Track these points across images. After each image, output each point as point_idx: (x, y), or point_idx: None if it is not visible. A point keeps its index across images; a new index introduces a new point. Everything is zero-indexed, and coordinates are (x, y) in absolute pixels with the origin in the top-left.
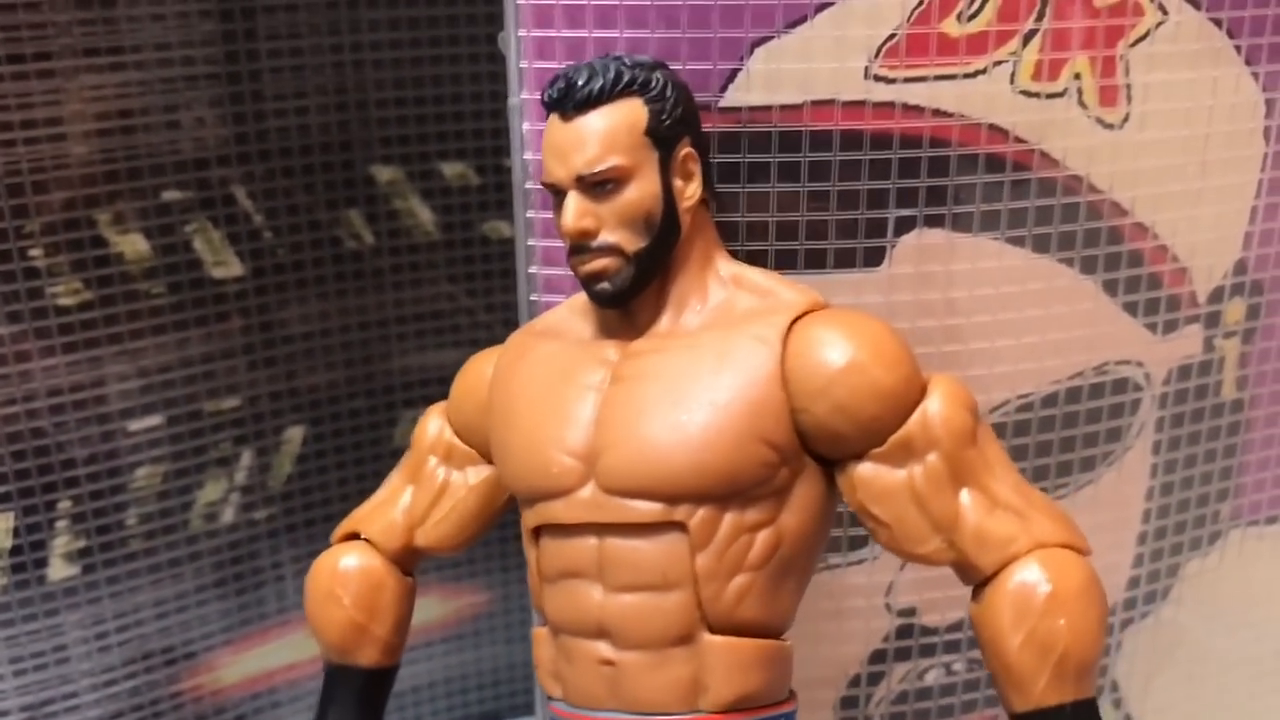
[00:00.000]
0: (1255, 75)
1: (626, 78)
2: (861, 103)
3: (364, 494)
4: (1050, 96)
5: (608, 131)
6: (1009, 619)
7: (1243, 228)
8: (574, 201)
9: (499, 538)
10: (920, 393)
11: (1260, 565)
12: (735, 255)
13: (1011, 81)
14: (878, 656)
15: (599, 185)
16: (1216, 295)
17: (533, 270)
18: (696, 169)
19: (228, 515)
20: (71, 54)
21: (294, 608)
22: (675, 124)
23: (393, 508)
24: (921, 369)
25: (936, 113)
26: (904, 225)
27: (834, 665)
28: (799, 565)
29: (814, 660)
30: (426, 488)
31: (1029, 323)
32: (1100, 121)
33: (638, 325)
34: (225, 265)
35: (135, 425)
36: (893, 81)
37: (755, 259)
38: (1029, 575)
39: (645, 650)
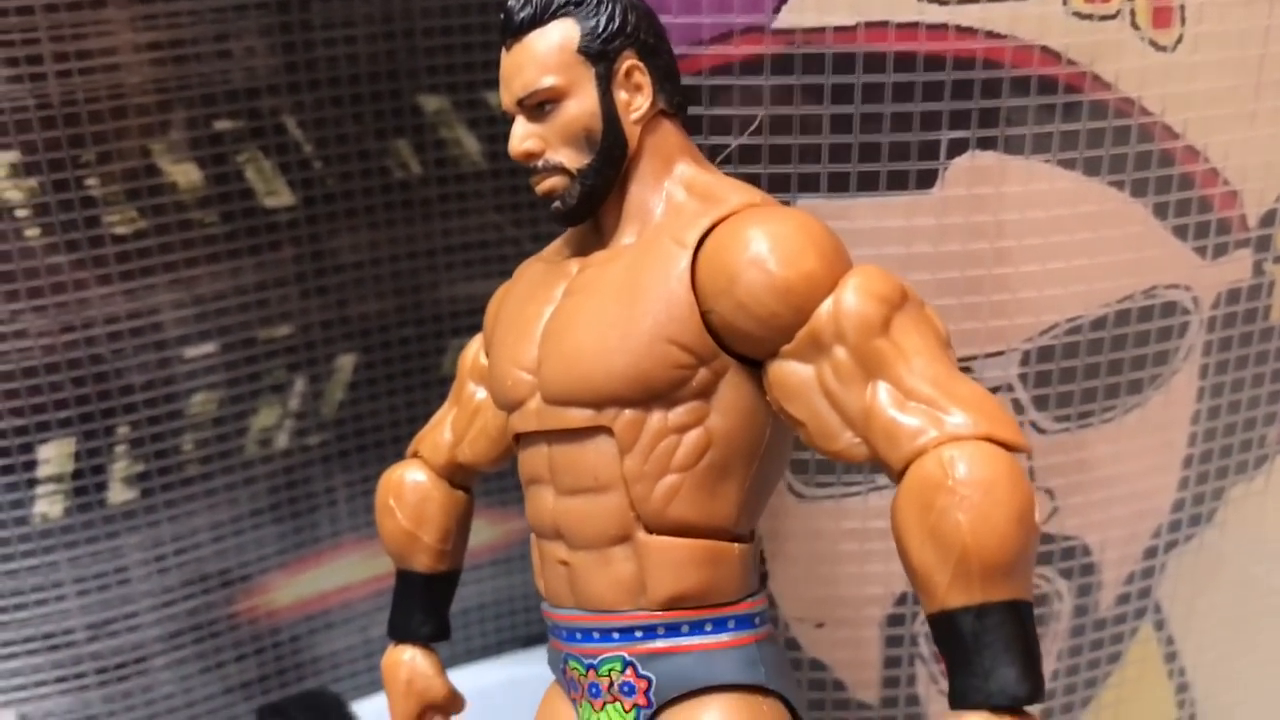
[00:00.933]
0: None
1: (558, 0)
2: (915, 24)
3: (413, 420)
4: (1103, 18)
5: (540, 54)
6: (910, 516)
7: None
8: (519, 125)
9: None
10: (829, 288)
11: None
12: (786, 179)
13: (1064, 3)
14: None
15: (538, 107)
16: (1268, 219)
17: None
18: (645, 81)
19: (281, 441)
20: None
21: (347, 531)
22: (612, 38)
23: (441, 428)
24: (846, 262)
25: (989, 34)
26: (956, 147)
27: (880, 584)
28: (737, 468)
29: (860, 579)
30: (466, 408)
31: (1079, 246)
32: (1153, 44)
33: (603, 239)
34: (276, 194)
35: (191, 352)
36: (946, 3)
37: (807, 182)
38: (931, 469)
39: (591, 550)
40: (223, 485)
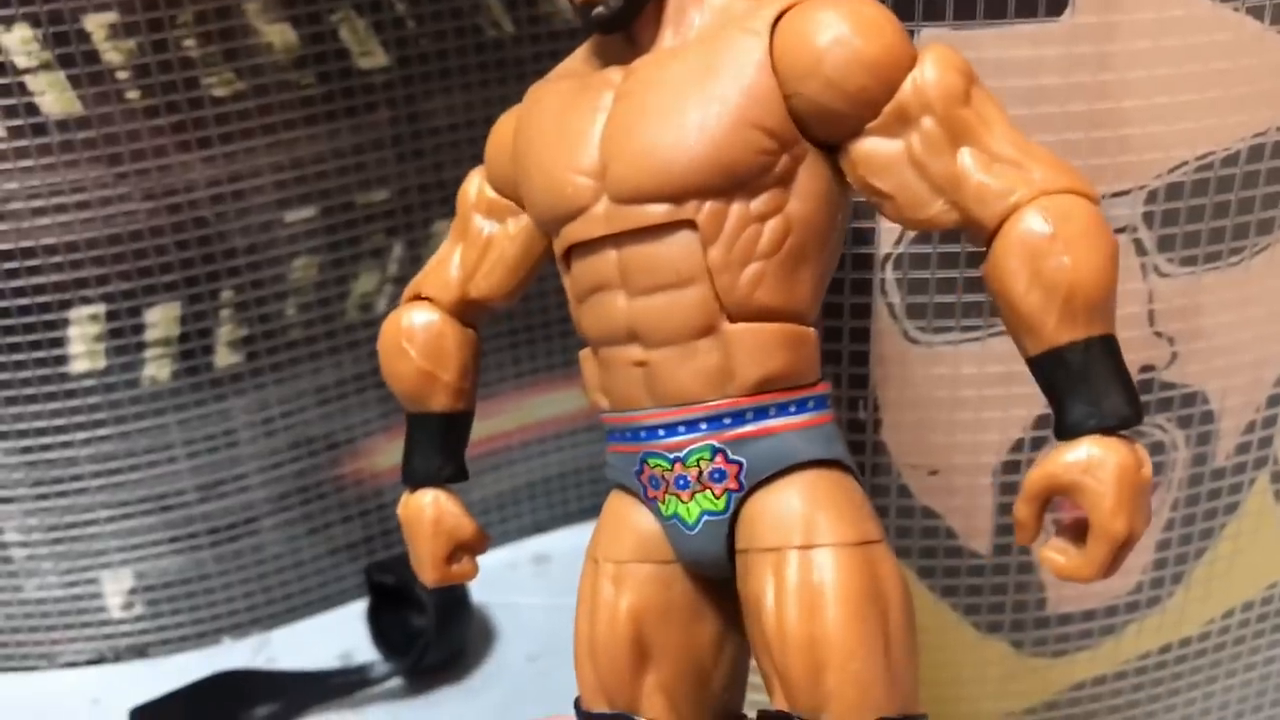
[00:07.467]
0: None
1: None
2: None
3: None
4: None
5: None
6: (1015, 265)
7: None
8: None
9: None
10: (910, 62)
11: None
12: (910, 6)
13: None
14: (1042, 421)
15: None
16: None
17: None
18: None
19: (381, 306)
20: None
21: None
22: None
23: (447, 266)
24: (912, 43)
25: None
26: None
27: (997, 430)
28: (812, 253)
29: (976, 425)
30: (474, 244)
31: (1213, 76)
32: None
33: (641, 46)
34: (371, 55)
35: (291, 216)
36: None
37: (932, 10)
38: (1031, 221)
39: (673, 345)
40: (326, 350)
